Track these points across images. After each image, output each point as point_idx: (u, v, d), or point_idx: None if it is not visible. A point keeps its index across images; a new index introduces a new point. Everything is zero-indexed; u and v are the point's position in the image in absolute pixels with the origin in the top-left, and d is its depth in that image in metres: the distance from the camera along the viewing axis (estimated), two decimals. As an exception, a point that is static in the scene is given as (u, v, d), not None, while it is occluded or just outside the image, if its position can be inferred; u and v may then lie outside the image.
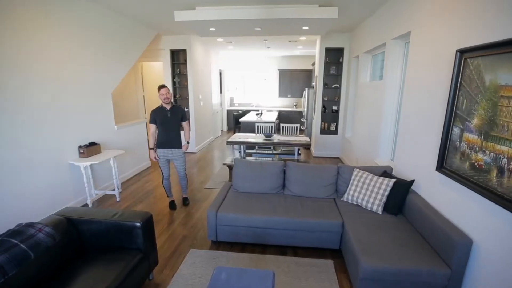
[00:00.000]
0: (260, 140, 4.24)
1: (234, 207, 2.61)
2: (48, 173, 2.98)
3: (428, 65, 2.37)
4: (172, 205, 3.44)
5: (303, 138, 4.46)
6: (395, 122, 3.42)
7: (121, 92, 5.85)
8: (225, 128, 9.77)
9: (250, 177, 2.98)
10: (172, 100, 3.14)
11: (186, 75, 6.09)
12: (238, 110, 9.39)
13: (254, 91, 9.98)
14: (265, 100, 10.04)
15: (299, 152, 4.54)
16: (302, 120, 7.64)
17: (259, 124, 5.21)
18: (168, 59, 5.96)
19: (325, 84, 5.76)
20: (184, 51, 5.92)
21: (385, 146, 3.57)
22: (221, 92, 9.09)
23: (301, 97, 9.48)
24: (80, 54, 3.36)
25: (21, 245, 1.55)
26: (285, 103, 9.97)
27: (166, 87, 3.06)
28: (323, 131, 6.02)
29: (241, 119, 6.41)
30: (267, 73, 9.72)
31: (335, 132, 5.97)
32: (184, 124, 3.30)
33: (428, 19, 2.38)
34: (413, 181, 2.40)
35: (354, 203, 2.70)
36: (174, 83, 6.16)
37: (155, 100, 7.24)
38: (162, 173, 3.32)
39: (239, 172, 3.01)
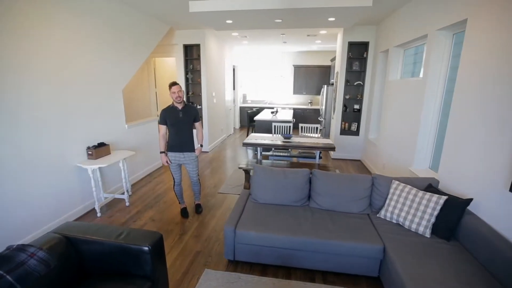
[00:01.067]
0: (279, 142, 3.91)
1: (254, 223, 2.29)
2: (53, 177, 2.76)
3: (497, 58, 1.96)
4: (184, 212, 3.17)
5: (325, 140, 4.10)
6: (436, 125, 3.00)
7: (132, 89, 5.64)
8: (237, 125, 9.47)
9: (271, 187, 2.65)
10: (184, 99, 2.84)
11: (199, 71, 5.80)
12: (251, 108, 9.06)
13: (268, 88, 9.60)
14: (279, 97, 9.66)
15: (320, 155, 4.17)
16: (319, 119, 7.23)
17: (276, 124, 4.87)
18: (181, 55, 5.68)
19: (346, 81, 5.34)
20: (198, 46, 5.63)
21: (422, 153, 3.16)
22: (234, 88, 8.78)
23: (317, 94, 9.06)
24: (88, 49, 3.11)
25: (7, 276, 1.29)
26: (300, 101, 9.56)
27: (178, 84, 2.76)
28: (343, 132, 5.61)
29: (256, 118, 6.08)
30: (282, 69, 9.32)
31: (356, 133, 5.56)
32: (197, 125, 3.01)
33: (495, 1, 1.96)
34: (470, 200, 2.00)
35: (394, 221, 2.34)
36: (187, 80, 5.89)
37: (168, 97, 7.02)
38: (174, 179, 3.05)
39: (259, 181, 2.69)
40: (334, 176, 2.63)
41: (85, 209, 3.20)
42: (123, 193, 3.48)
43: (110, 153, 3.35)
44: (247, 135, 6.96)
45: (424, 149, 3.16)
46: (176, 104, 2.82)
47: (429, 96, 2.97)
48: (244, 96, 9.89)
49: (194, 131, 3.00)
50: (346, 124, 5.60)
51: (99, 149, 3.18)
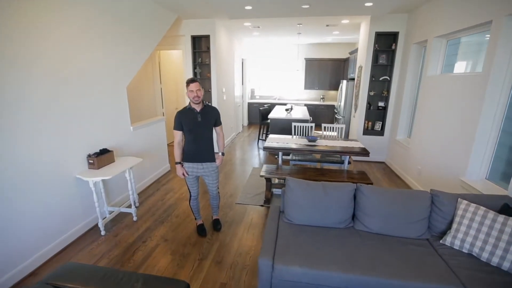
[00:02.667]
0: (303, 146, 3.45)
1: (295, 254, 1.87)
2: (48, 192, 2.33)
3: None
4: (201, 230, 2.75)
5: (355, 143, 3.64)
6: (499, 129, 2.55)
7: (135, 86, 5.16)
8: (245, 122, 9.01)
9: (309, 205, 2.22)
10: (202, 99, 2.38)
11: (208, 65, 5.31)
12: (262, 104, 8.58)
13: (278, 82, 9.09)
14: (289, 93, 9.17)
15: (349, 160, 3.73)
16: (336, 116, 6.76)
17: (296, 124, 4.41)
18: (189, 47, 5.18)
19: (371, 76, 4.85)
20: (207, 37, 5.12)
21: (478, 161, 2.71)
22: (242, 83, 8.28)
23: (330, 89, 8.57)
24: (87, 42, 2.63)
25: None
26: (311, 96, 9.07)
27: (197, 81, 2.30)
28: (366, 131, 5.15)
29: (270, 116, 5.61)
30: (292, 62, 8.79)
31: (380, 133, 5.10)
32: (218, 129, 2.56)
33: None
34: None
35: (465, 251, 1.90)
36: (195, 74, 5.40)
37: (174, 94, 6.53)
38: (190, 192, 2.62)
39: (294, 197, 2.25)
40: (385, 193, 2.19)
41: (87, 226, 2.78)
42: (129, 206, 3.05)
43: (114, 161, 2.91)
44: (259, 134, 6.50)
45: (481, 157, 2.71)
46: (193, 106, 2.36)
47: (492, 95, 2.51)
48: (252, 91, 9.40)
49: (214, 136, 2.55)
50: (370, 123, 5.14)
51: (101, 157, 2.73)
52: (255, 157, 5.45)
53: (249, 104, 9.01)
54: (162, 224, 2.92)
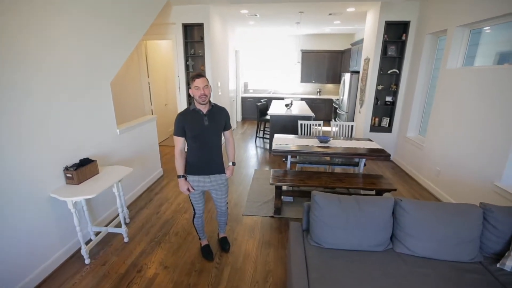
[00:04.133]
0: (317, 149, 3.08)
1: (336, 292, 1.50)
2: (13, 217, 1.83)
3: None
4: (206, 252, 2.33)
5: (371, 144, 3.31)
6: (544, 130, 2.27)
7: (120, 82, 4.58)
8: (239, 118, 8.55)
9: (341, 224, 1.85)
10: (211, 99, 1.94)
11: (202, 57, 4.80)
12: (257, 99, 8.13)
13: (273, 76, 8.65)
14: (284, 86, 8.76)
15: (365, 162, 3.41)
16: (338, 111, 6.44)
17: (302, 122, 4.02)
18: (180, 36, 4.64)
19: (379, 69, 4.53)
20: (201, 26, 4.60)
21: (516, 165, 2.44)
22: (236, 76, 7.78)
23: (327, 82, 8.24)
24: (65, 30, 2.09)
25: None
26: (308, 90, 8.72)
27: (204, 76, 1.85)
28: (373, 128, 4.86)
29: (270, 112, 5.20)
30: (289, 54, 8.36)
31: (388, 130, 4.82)
32: (227, 134, 2.13)
33: None
34: None
35: (533, 279, 1.61)
36: (187, 67, 4.88)
37: (163, 89, 5.96)
38: (194, 210, 2.19)
39: (323, 216, 1.87)
40: (427, 207, 1.86)
41: (68, 253, 2.30)
42: (119, 225, 2.57)
43: (98, 172, 2.42)
44: (257, 131, 6.09)
45: (519, 160, 2.44)
46: (198, 106, 1.91)
47: (538, 91, 2.22)
48: (246, 85, 8.92)
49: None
50: (376, 119, 4.85)
51: (82, 169, 2.24)
52: (253, 157, 5.05)
53: (243, 99, 8.53)
54: (159, 246, 2.47)
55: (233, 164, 2.15)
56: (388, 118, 4.81)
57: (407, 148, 4.35)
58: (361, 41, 5.49)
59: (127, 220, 2.83)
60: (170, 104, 6.22)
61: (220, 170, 2.07)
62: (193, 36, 4.76)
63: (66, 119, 2.23)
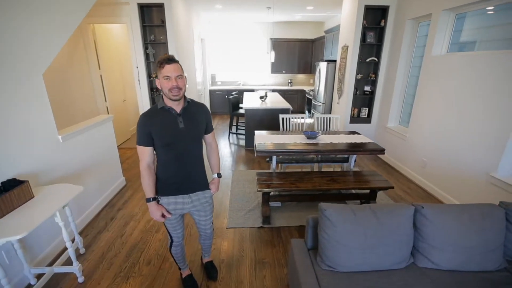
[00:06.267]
0: (309, 148, 2.74)
1: None
2: None
3: None
4: (190, 284, 1.88)
5: (362, 138, 3.08)
6: (542, 118, 2.19)
7: (62, 75, 3.75)
8: (208, 113, 7.91)
9: (359, 243, 1.53)
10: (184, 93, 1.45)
11: (165, 44, 4.14)
12: (227, 91, 7.58)
13: (242, 66, 8.15)
14: (254, 78, 8.33)
15: (355, 158, 3.17)
16: (314, 102, 6.23)
17: (284, 116, 3.65)
18: (136, 19, 3.92)
19: (359, 57, 4.33)
20: (161, 6, 3.93)
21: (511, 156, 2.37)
22: (202, 67, 7.14)
23: (298, 72, 8.00)
24: None
25: None
26: (279, 81, 8.41)
27: (176, 62, 1.35)
28: (353, 119, 4.71)
29: (244, 106, 4.75)
30: (258, 44, 7.91)
31: (367, 120, 4.70)
32: (209, 138, 1.66)
33: None
34: None
35: None
36: (146, 56, 4.19)
37: (119, 82, 5.14)
38: (171, 238, 1.70)
39: (337, 235, 1.53)
40: (452, 212, 1.62)
41: (-7, 312, 1.66)
42: (69, 259, 1.97)
43: (32, 197, 1.79)
44: (230, 127, 5.62)
45: (514, 149, 2.36)
46: (170, 103, 1.41)
47: (538, 77, 2.11)
48: (213, 77, 8.29)
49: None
50: (356, 109, 4.69)
51: (6, 197, 1.60)
52: (228, 156, 4.60)
53: (211, 92, 7.92)
54: (127, 282, 1.94)
55: (219, 176, 1.70)
56: (367, 109, 4.69)
57: (388, 139, 4.26)
58: (336, 28, 5.26)
59: (82, 251, 2.22)
60: (129, 99, 5.42)
61: (203, 186, 1.61)
62: (152, 19, 4.07)
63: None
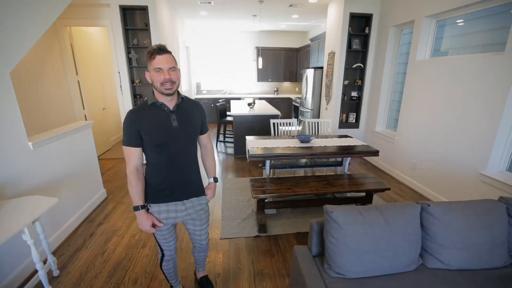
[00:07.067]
0: (304, 151, 2.66)
1: None
2: None
3: None
4: (183, 303, 1.68)
5: (354, 141, 3.05)
6: (528, 115, 2.25)
7: (34, 80, 3.48)
8: (193, 122, 7.72)
9: (368, 246, 1.43)
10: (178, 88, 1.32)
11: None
12: (214, 100, 7.45)
13: (228, 75, 8.09)
14: (240, 86, 8.28)
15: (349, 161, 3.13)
16: (301, 109, 6.24)
17: (275, 122, 3.57)
18: (118, 22, 3.75)
19: (345, 63, 4.40)
20: (144, 9, 3.79)
21: (499, 153, 2.42)
22: (188, 75, 6.99)
23: (284, 81, 8.05)
24: None
25: None
26: (264, 89, 8.41)
27: (168, 52, 1.23)
28: (342, 124, 4.73)
29: (233, 113, 4.65)
30: (244, 52, 7.92)
31: (355, 125, 4.74)
32: (204, 139, 1.53)
33: None
34: None
35: None
36: (129, 61, 4.00)
37: (99, 89, 4.87)
38: (162, 251, 1.51)
39: (345, 239, 1.42)
40: (458, 209, 1.57)
41: None
42: (40, 284, 1.71)
43: (-2, 211, 1.54)
44: (218, 135, 5.46)
45: (502, 148, 2.41)
46: (161, 99, 1.27)
47: (522, 77, 2.18)
48: (198, 86, 8.15)
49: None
50: (344, 115, 4.73)
51: (-36, 211, 1.36)
52: (217, 164, 4.43)
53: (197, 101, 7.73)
54: (110, 306, 1.71)
55: (215, 180, 1.55)
56: (355, 114, 4.73)
57: (377, 142, 4.29)
58: (321, 35, 5.36)
59: (55, 273, 1.95)
60: (109, 108, 5.14)
61: (198, 191, 1.46)
62: (134, 22, 3.92)
63: None
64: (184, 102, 1.36)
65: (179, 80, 1.27)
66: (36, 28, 2.06)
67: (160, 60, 1.18)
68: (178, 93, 1.33)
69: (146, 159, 1.34)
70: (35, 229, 1.67)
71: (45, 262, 1.86)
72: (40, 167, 2.12)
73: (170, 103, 1.29)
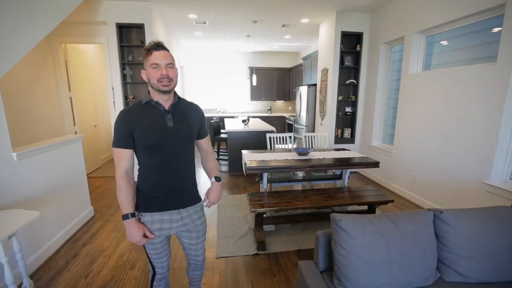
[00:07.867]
0: (300, 164, 2.58)
1: None
2: None
3: None
4: (175, 331, 1.48)
5: (353, 153, 3.00)
6: (525, 123, 2.26)
7: (25, 95, 3.39)
8: (187, 140, 7.61)
9: (381, 257, 1.31)
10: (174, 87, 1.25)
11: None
12: (211, 118, 7.42)
13: (222, 94, 8.16)
14: (233, 105, 8.33)
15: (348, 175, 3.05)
16: (295, 126, 6.25)
17: (271, 136, 3.52)
18: (114, 39, 3.76)
19: (339, 79, 4.48)
20: (140, 27, 3.84)
21: (501, 162, 2.39)
22: (182, 94, 7.00)
23: (278, 99, 8.15)
24: None
25: None
26: (258, 108, 8.48)
27: (165, 49, 1.17)
28: (337, 139, 4.71)
29: (227, 129, 4.60)
30: (237, 72, 8.06)
31: (351, 141, 4.74)
32: (204, 144, 1.44)
33: None
34: None
35: None
36: (123, 77, 3.97)
37: (91, 106, 4.79)
38: (153, 269, 1.36)
39: (356, 250, 1.31)
40: (473, 216, 1.48)
41: None
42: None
43: (-31, 226, 1.37)
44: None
45: (504, 156, 2.39)
46: (157, 97, 1.20)
47: (515, 86, 2.22)
48: (192, 104, 8.14)
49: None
50: (339, 130, 4.73)
51: None
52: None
53: (190, 119, 7.69)
54: (92, 336, 1.49)
55: (217, 179, 1.43)
56: (350, 129, 4.75)
57: (374, 157, 4.25)
58: (313, 54, 5.51)
59: (31, 299, 1.73)
60: (101, 125, 5.03)
61: (194, 198, 1.34)
62: (130, 39, 3.94)
63: None
64: (181, 103, 1.29)
65: (176, 78, 1.21)
66: (34, 35, 2.01)
67: (157, 56, 1.13)
68: (175, 93, 1.26)
69: (138, 163, 1.24)
70: (11, 245, 1.49)
71: (20, 286, 1.66)
72: (24, 179, 1.96)
73: (166, 102, 1.22)
